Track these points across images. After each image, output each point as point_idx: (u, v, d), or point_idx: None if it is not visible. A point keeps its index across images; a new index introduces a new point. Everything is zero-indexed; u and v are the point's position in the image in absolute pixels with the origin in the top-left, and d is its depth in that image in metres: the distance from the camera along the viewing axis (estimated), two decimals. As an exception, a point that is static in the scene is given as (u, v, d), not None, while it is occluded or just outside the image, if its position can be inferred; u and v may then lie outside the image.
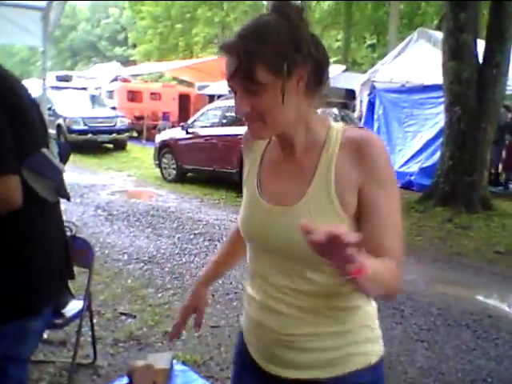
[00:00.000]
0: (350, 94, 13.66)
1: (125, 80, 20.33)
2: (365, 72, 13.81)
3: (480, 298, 4.84)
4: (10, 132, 1.45)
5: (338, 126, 1.19)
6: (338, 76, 14.09)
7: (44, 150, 1.60)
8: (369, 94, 11.79)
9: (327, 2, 26.59)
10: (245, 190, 1.31)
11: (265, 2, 26.67)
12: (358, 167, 1.12)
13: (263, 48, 1.06)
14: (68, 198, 1.72)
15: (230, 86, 1.13)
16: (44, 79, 4.48)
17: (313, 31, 1.13)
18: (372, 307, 1.26)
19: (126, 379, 2.69)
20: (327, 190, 1.13)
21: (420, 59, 10.60)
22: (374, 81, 11.87)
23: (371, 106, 11.69)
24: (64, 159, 1.72)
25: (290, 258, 1.17)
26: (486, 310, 4.52)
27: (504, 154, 11.05)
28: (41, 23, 4.13)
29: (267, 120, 1.12)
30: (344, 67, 17.35)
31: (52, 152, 1.66)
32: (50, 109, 13.89)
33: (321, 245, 0.84)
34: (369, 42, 32.33)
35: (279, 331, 1.22)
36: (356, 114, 11.99)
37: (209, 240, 6.21)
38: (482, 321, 4.13)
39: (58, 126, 14.00)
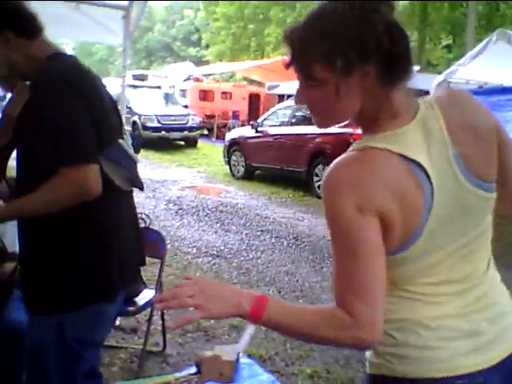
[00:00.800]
0: (424, 95, 13.25)
1: (197, 79, 20.77)
2: (440, 73, 13.36)
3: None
4: (89, 123, 1.50)
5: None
6: (412, 76, 13.72)
7: (120, 140, 1.65)
8: (444, 95, 11.39)
9: (401, 2, 25.95)
10: None
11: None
12: None
13: (319, 41, 0.98)
14: (141, 188, 1.77)
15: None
16: (123, 76, 4.65)
17: (393, 20, 1.00)
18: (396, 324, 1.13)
19: (194, 368, 2.76)
20: None
21: (499, 60, 10.11)
22: (450, 82, 11.44)
23: (446, 107, 11.29)
24: (136, 150, 1.78)
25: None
26: None
27: None
28: (122, 22, 4.28)
29: (323, 114, 1.09)
30: (417, 67, 16.87)
31: (127, 143, 1.71)
32: (126, 106, 14.43)
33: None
34: (444, 43, 31.24)
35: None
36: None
37: (276, 237, 6.23)
38: None
39: (134, 123, 14.52)
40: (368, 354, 1.15)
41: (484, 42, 11.16)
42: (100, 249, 1.60)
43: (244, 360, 3.18)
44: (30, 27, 1.59)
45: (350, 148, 1.06)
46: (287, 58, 1.04)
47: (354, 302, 0.98)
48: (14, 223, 1.88)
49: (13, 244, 2.09)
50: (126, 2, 4.28)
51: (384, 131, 1.04)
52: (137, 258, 1.83)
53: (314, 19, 1.01)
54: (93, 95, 1.56)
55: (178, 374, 2.72)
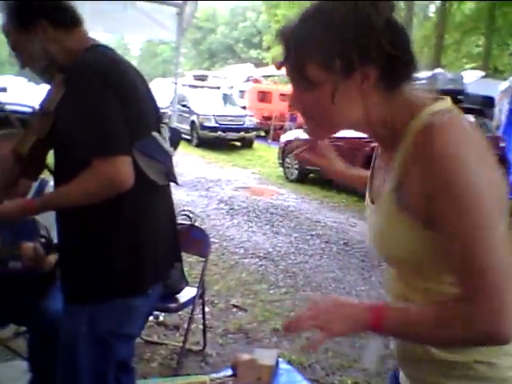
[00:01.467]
0: (488, 102, 12.73)
1: (256, 81, 20.84)
2: (505, 79, 12.81)
3: None
4: (121, 115, 1.49)
5: (427, 113, 0.95)
6: (475, 82, 13.20)
7: (155, 134, 1.64)
8: (509, 102, 10.89)
9: (468, 6, 25.06)
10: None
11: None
12: (418, 169, 0.93)
13: (315, 40, 0.92)
14: (176, 182, 1.74)
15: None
16: (177, 74, 4.69)
17: (393, 20, 0.93)
18: None
19: (230, 371, 2.73)
20: (393, 185, 1.00)
21: None
22: (516, 88, 10.94)
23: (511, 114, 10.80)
24: (175, 144, 1.75)
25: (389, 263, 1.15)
26: None
27: None
28: (176, 19, 4.32)
29: (318, 119, 1.01)
30: (482, 73, 16.23)
31: (163, 137, 1.69)
32: (185, 106, 14.68)
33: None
34: (512, 49, 29.99)
35: None
36: (494, 123, 11.12)
37: (325, 242, 6.12)
38: None
39: (192, 123, 14.74)
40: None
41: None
42: (132, 242, 1.59)
43: (283, 366, 3.14)
44: (67, 19, 1.60)
45: (430, 119, 0.93)
46: (280, 60, 0.98)
47: (484, 285, 0.88)
48: None
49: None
50: (180, -1, 4.32)
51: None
52: (172, 254, 1.82)
53: (310, 18, 0.95)
54: (126, 87, 1.55)
55: (213, 375, 2.71)
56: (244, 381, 2.58)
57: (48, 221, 2.11)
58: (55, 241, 1.96)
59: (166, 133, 1.70)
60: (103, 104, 1.47)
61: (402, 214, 0.98)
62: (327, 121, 1.01)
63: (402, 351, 1.14)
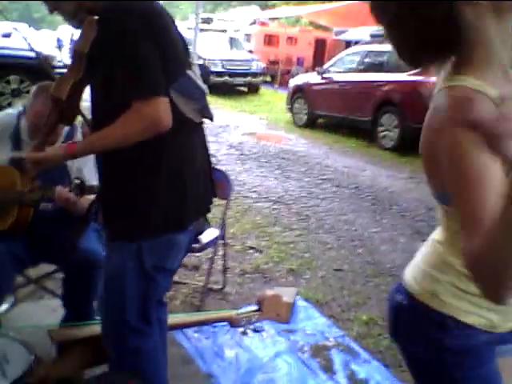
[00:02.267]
0: None
1: (263, 24, 20.36)
2: None
3: None
4: (158, 56, 1.50)
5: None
6: None
7: (189, 72, 1.65)
8: None
9: None
10: None
11: None
12: None
13: None
14: (211, 118, 1.77)
15: None
16: (197, 14, 4.54)
17: None
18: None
19: (254, 306, 2.85)
20: None
21: None
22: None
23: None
24: (206, 81, 1.77)
25: None
26: None
27: None
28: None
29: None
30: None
31: (196, 74, 1.71)
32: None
33: None
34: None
35: None
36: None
37: (336, 186, 6.19)
38: None
39: (202, 67, 14.51)
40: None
41: None
42: (176, 179, 1.64)
43: (301, 303, 3.28)
44: None
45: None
46: None
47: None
48: (92, 157, 1.96)
49: (91, 178, 2.19)
50: None
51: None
52: (209, 193, 1.86)
53: None
54: (161, 28, 1.56)
55: (239, 311, 2.84)
56: (268, 316, 2.71)
57: (80, 161, 2.16)
58: (89, 183, 2.02)
59: (197, 70, 1.72)
60: (140, 45, 1.48)
61: None
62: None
63: None
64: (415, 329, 1.19)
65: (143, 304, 1.71)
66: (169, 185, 1.63)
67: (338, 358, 2.73)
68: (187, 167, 1.67)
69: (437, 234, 1.20)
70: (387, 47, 9.29)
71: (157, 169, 1.61)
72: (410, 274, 1.23)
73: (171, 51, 1.58)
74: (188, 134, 1.67)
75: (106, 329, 1.78)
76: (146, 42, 1.49)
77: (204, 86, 1.70)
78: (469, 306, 1.12)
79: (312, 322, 3.06)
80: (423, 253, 1.23)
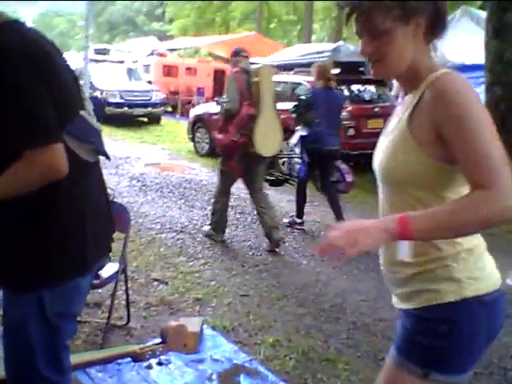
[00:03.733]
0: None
1: (161, 54, 20.40)
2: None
3: (508, 277, 4.77)
4: (49, 100, 1.45)
5: (438, 72, 1.29)
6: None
7: (82, 112, 1.62)
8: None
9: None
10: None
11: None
12: (430, 110, 1.25)
13: None
14: (107, 157, 1.76)
15: (356, 31, 1.33)
16: (87, 47, 4.54)
17: None
18: (458, 248, 1.33)
19: (158, 339, 2.81)
20: (407, 122, 1.31)
21: (462, 38, 10.31)
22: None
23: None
24: (99, 117, 1.75)
25: (385, 181, 1.41)
26: None
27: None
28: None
29: (386, 60, 1.31)
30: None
31: (89, 112, 1.68)
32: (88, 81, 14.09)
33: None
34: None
35: (385, 260, 1.47)
36: (393, 93, 11.78)
37: (240, 213, 6.28)
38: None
39: (95, 99, 14.21)
40: (433, 286, 1.34)
41: (448, 20, 11.38)
42: (74, 227, 1.60)
43: (208, 331, 3.27)
44: None
45: (443, 72, 1.28)
46: (357, 17, 1.29)
47: (500, 174, 1.16)
48: None
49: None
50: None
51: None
52: (109, 230, 1.83)
53: None
54: (52, 69, 1.51)
55: (143, 345, 2.78)
56: (174, 347, 2.68)
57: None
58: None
59: (90, 106, 1.70)
60: (31, 91, 1.42)
61: (411, 144, 1.28)
62: (392, 60, 1.31)
63: (390, 274, 1.46)
64: None
65: (52, 353, 1.65)
66: (68, 230, 1.59)
67: (246, 383, 2.75)
68: (86, 209, 1.64)
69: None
70: (281, 78, 9.70)
71: (54, 215, 1.56)
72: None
73: (63, 93, 1.54)
74: (84, 176, 1.64)
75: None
76: (37, 87, 1.43)
77: (98, 125, 1.68)
78: None
79: (220, 350, 3.06)
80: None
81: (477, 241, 1.37)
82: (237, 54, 5.16)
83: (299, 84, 8.97)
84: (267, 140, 4.79)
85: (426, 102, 1.26)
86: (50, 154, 1.44)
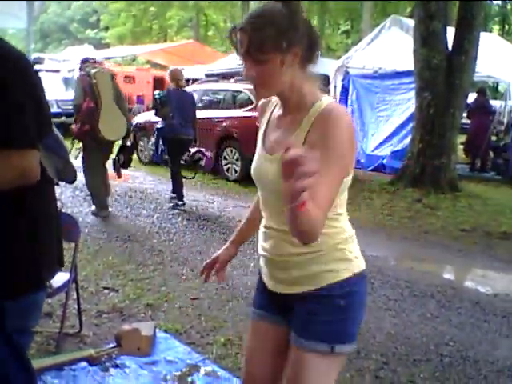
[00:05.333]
0: (324, 79, 13.80)
1: (98, 63, 20.09)
2: (339, 58, 13.99)
3: (445, 272, 5.13)
4: (33, 110, 1.53)
5: (325, 100, 1.48)
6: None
7: (55, 130, 1.70)
8: (343, 80, 11.99)
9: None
10: (257, 146, 1.68)
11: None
12: (318, 134, 1.42)
13: (268, 30, 1.38)
14: (72, 181, 1.82)
15: (241, 57, 1.45)
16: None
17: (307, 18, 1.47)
18: (346, 235, 1.58)
19: (113, 343, 2.86)
20: (300, 144, 1.44)
21: (392, 46, 10.81)
22: (347, 67, 12.05)
23: (345, 91, 11.89)
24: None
25: (278, 196, 1.45)
26: (451, 282, 4.81)
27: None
28: (26, 7, 4.18)
29: (269, 83, 1.47)
30: (318, 52, 17.48)
31: (58, 132, 1.76)
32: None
33: (288, 163, 1.09)
34: (343, 29, 32.54)
35: (273, 253, 1.60)
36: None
37: (187, 219, 6.36)
38: (446, 292, 4.40)
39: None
40: (331, 266, 1.53)
41: (378, 28, 11.87)
42: (34, 237, 1.64)
43: (161, 334, 3.34)
44: None
45: (331, 101, 1.48)
46: (242, 44, 1.42)
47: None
48: None
49: None
50: (29, -13, 4.18)
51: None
52: (61, 244, 1.88)
53: (261, 14, 1.43)
54: (34, 83, 1.58)
55: (98, 349, 2.82)
56: (128, 350, 2.75)
57: None
58: None
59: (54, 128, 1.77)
60: (21, 98, 1.49)
61: None
62: (274, 84, 1.47)
63: (279, 263, 1.60)
64: None
65: (6, 370, 1.66)
66: (25, 244, 1.63)
67: (201, 382, 2.84)
68: (44, 225, 1.69)
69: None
70: (223, 86, 9.85)
71: (15, 227, 1.60)
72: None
73: (42, 108, 1.60)
74: (48, 193, 1.70)
75: None
76: (24, 95, 1.50)
77: (66, 144, 1.74)
78: None
79: (173, 352, 3.14)
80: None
81: (353, 229, 1.63)
82: (85, 61, 6.39)
83: (239, 92, 9.15)
84: (111, 127, 5.97)
85: (316, 128, 1.43)
86: (28, 158, 1.50)
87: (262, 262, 1.71)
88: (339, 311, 1.54)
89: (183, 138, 6.79)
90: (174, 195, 6.92)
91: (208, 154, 8.09)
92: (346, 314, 1.55)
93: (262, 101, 1.70)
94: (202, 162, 8.02)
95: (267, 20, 1.40)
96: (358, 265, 1.59)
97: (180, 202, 6.82)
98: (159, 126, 7.10)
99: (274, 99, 1.63)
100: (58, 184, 1.84)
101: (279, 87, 1.48)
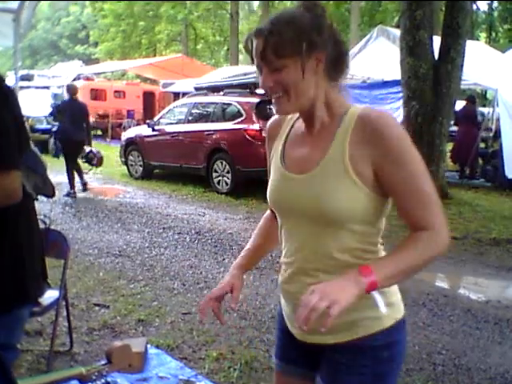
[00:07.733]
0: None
1: (88, 78, 20.13)
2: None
3: (437, 280, 5.14)
4: (14, 130, 1.55)
5: (357, 106, 1.32)
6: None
7: (34, 147, 1.72)
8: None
9: (288, 2, 26.90)
10: (271, 168, 1.45)
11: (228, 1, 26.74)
12: (367, 144, 1.24)
13: (286, 30, 1.22)
14: (51, 195, 1.82)
15: (257, 64, 1.29)
16: (16, 79, 4.54)
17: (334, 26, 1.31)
18: None
19: (104, 360, 2.83)
20: (342, 158, 1.26)
21: (380, 56, 10.92)
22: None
23: (334, 101, 11.95)
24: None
25: (316, 221, 1.30)
26: (442, 290, 4.82)
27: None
28: (12, 24, 4.20)
29: (290, 93, 1.27)
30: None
31: (35, 148, 1.77)
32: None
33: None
34: (331, 39, 32.72)
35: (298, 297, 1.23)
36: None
37: (178, 233, 6.34)
38: (438, 300, 4.41)
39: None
40: (373, 313, 1.31)
41: (365, 39, 11.99)
42: (18, 253, 1.65)
43: (153, 350, 3.31)
44: None
45: (364, 107, 1.31)
46: (257, 49, 1.26)
47: (438, 213, 1.25)
48: None
49: None
50: (16, 3, 4.19)
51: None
52: (43, 261, 1.88)
53: (279, 18, 1.27)
54: (16, 103, 1.61)
55: (89, 366, 2.79)
56: (119, 367, 2.72)
57: None
58: None
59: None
60: (4, 120, 1.51)
61: (352, 179, 1.25)
62: (296, 93, 1.27)
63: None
64: None
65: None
66: (11, 260, 1.63)
67: (193, 397, 2.82)
68: (28, 241, 1.69)
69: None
70: (212, 99, 9.89)
71: (2, 242, 1.60)
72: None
73: (21, 126, 1.63)
74: (27, 209, 1.70)
75: None
76: (6, 115, 1.52)
77: (45, 161, 1.75)
78: None
79: (165, 367, 3.11)
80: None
81: None
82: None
83: (229, 104, 9.19)
84: None
85: (361, 137, 1.25)
86: (12, 179, 1.52)
87: (284, 303, 1.48)
88: (383, 363, 1.34)
89: (74, 140, 8.30)
90: (72, 190, 8.42)
91: (98, 154, 9.10)
92: (389, 366, 1.36)
93: (271, 121, 1.50)
94: (94, 161, 9.05)
95: (285, 20, 1.24)
96: (398, 310, 1.38)
97: (72, 191, 8.36)
98: (55, 129, 9.13)
99: (290, 116, 1.44)
100: (37, 199, 1.83)
101: (301, 99, 1.28)
